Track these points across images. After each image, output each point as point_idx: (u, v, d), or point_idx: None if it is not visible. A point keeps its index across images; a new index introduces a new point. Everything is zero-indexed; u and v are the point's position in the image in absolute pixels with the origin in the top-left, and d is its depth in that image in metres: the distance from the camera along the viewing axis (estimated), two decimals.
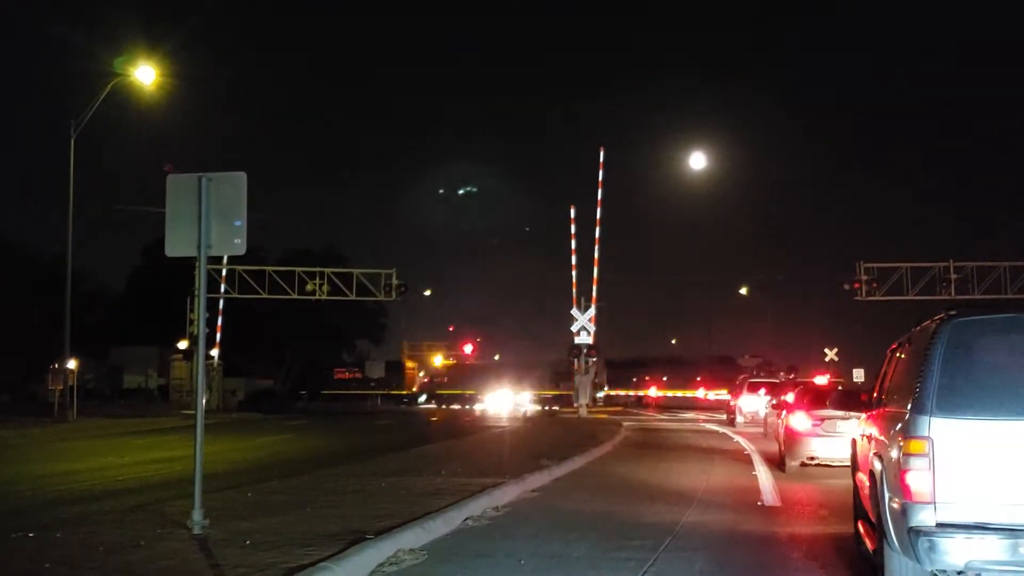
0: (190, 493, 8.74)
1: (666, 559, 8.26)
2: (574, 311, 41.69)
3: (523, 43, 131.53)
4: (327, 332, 65.99)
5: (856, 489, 8.68)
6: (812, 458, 15.84)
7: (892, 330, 8.05)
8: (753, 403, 32.78)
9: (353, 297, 46.25)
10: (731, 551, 8.91)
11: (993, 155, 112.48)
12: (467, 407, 56.11)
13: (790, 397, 19.60)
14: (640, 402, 68.11)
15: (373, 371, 65.00)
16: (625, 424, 32.65)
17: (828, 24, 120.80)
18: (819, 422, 15.55)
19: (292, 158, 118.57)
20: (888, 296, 40.61)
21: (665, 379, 71.10)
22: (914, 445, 5.73)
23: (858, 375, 41.55)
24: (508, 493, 12.19)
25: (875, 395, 8.19)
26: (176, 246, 9.11)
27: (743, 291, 66.18)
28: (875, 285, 40.68)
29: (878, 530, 6.66)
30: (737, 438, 26.21)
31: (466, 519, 10.14)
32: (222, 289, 44.61)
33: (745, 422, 33.00)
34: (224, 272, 44.12)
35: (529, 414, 47.66)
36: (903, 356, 7.12)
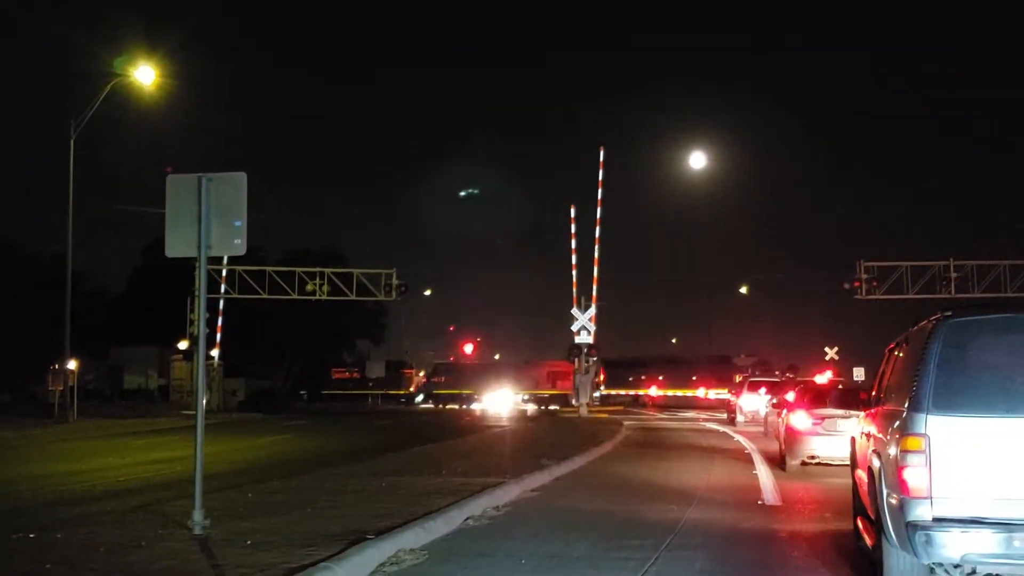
0: (191, 493, 8.75)
1: (667, 558, 8.26)
2: (574, 311, 41.69)
3: (523, 43, 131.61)
4: (327, 332, 65.96)
5: (855, 486, 8.76)
6: (813, 457, 15.85)
7: (892, 329, 8.09)
8: (753, 402, 32.78)
9: (353, 297, 46.25)
10: (732, 550, 8.91)
11: (993, 155, 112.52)
12: (464, 407, 56.07)
13: (791, 396, 19.62)
14: (637, 401, 68.07)
15: (373, 371, 64.94)
16: (626, 423, 32.66)
17: (828, 24, 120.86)
18: (819, 421, 15.55)
19: (292, 158, 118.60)
20: (888, 295, 40.63)
21: (661, 378, 71.07)
22: (911, 442, 5.86)
23: (858, 374, 41.56)
24: (509, 493, 12.19)
25: (873, 394, 8.28)
26: (176, 246, 9.10)
27: (743, 291, 66.28)
28: (875, 284, 40.70)
29: (877, 525, 6.77)
30: (737, 437, 26.22)
31: (467, 519, 10.14)
32: (222, 289, 44.60)
33: (745, 421, 33.01)
34: (224, 272, 44.12)
35: (529, 413, 47.65)
36: (901, 355, 7.23)
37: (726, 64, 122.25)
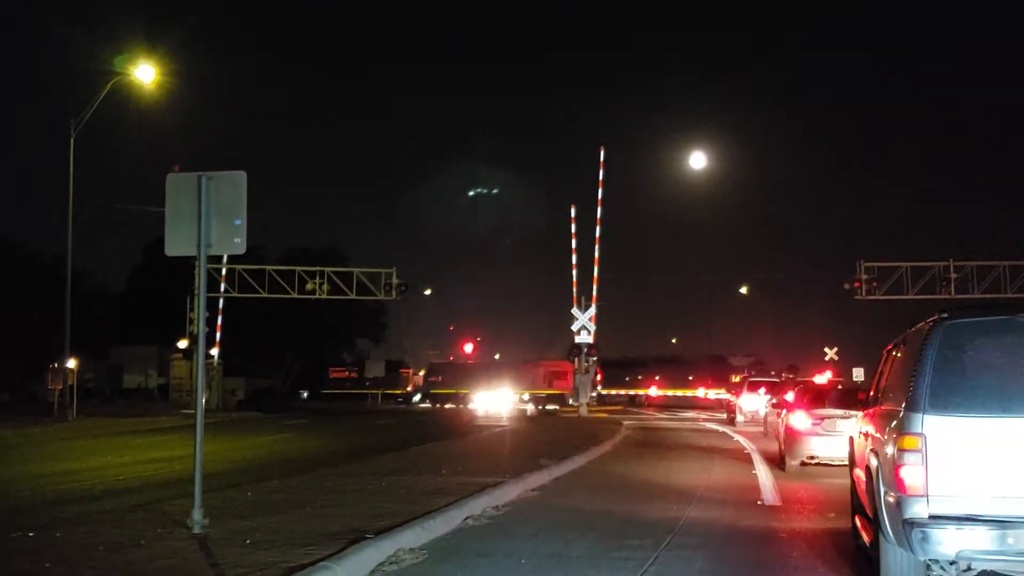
0: (190, 492, 8.74)
1: (666, 558, 8.26)
2: (574, 310, 41.70)
3: (523, 43, 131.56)
4: (327, 331, 65.95)
5: (853, 485, 8.83)
6: (812, 457, 15.84)
7: (892, 329, 8.12)
8: (753, 402, 32.78)
9: (353, 296, 46.24)
10: (731, 550, 8.91)
11: (993, 155, 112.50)
12: (461, 406, 56.06)
13: (790, 396, 19.62)
14: (634, 401, 68.00)
15: (373, 370, 64.90)
16: (625, 423, 32.67)
17: (828, 24, 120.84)
18: (819, 421, 15.55)
19: (292, 158, 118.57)
20: (888, 295, 40.62)
21: (658, 378, 71.04)
22: (908, 441, 5.99)
23: (858, 374, 41.56)
24: (508, 492, 12.19)
25: (871, 394, 8.38)
26: (176, 245, 9.10)
27: (743, 290, 66.30)
28: (875, 284, 40.69)
29: (874, 523, 6.88)
30: (737, 437, 26.23)
31: (466, 518, 10.14)
32: (222, 288, 44.58)
33: (745, 421, 33.02)
34: (224, 271, 44.10)
35: (528, 413, 47.65)
36: (898, 356, 7.35)
37: (726, 64, 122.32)
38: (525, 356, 63.64)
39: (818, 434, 15.51)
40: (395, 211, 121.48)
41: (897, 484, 6.03)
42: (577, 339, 41.72)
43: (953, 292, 39.15)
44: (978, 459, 5.86)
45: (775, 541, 9.44)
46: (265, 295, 44.42)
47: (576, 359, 42.75)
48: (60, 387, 34.74)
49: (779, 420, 18.92)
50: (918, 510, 5.89)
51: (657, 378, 70.90)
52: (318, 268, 45.72)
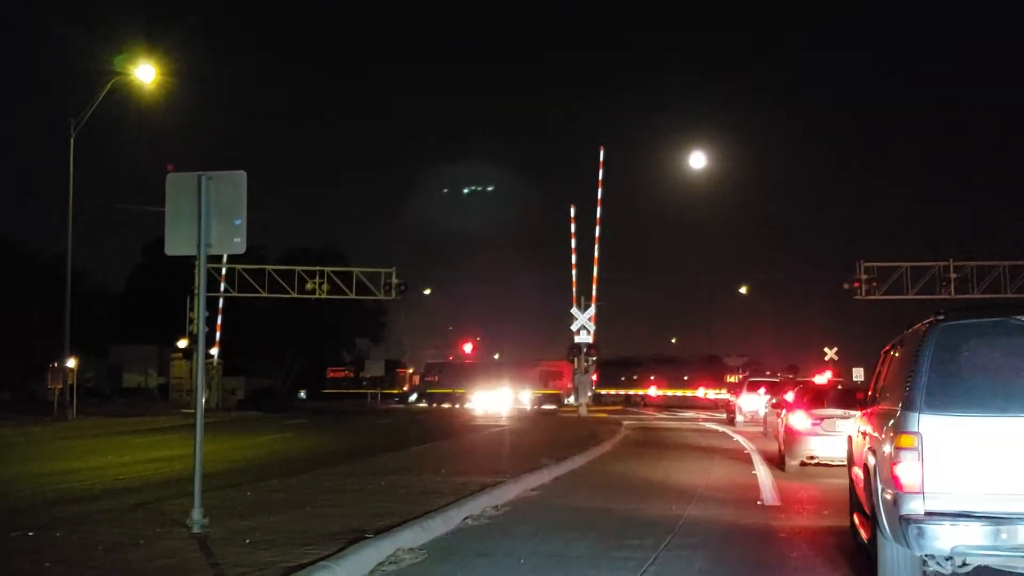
0: (190, 492, 8.75)
1: (665, 558, 8.26)
2: (574, 310, 41.69)
3: (523, 43, 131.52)
4: (327, 331, 65.97)
5: (852, 483, 8.92)
6: (812, 457, 15.84)
7: (892, 329, 8.16)
8: (753, 402, 32.79)
9: (353, 296, 46.24)
10: (731, 550, 8.92)
11: (993, 155, 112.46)
12: (458, 406, 56.07)
13: (790, 396, 19.62)
14: (630, 401, 67.96)
15: (373, 370, 64.94)
16: (625, 423, 32.67)
17: (828, 24, 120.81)
18: (819, 421, 15.55)
19: (292, 158, 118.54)
20: (888, 295, 40.62)
21: (653, 378, 71.07)
22: (904, 440, 6.14)
23: (858, 374, 41.52)
24: (508, 492, 12.19)
25: (869, 394, 8.51)
26: (176, 245, 9.10)
27: (743, 290, 66.26)
28: (875, 284, 40.69)
29: (872, 520, 7.03)
30: (737, 437, 26.23)
31: (466, 518, 10.14)
32: (222, 288, 44.58)
33: (745, 421, 33.02)
34: (224, 271, 44.10)
35: (527, 413, 47.66)
36: (896, 356, 7.49)
37: (726, 64, 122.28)
38: (524, 356, 63.73)
39: (818, 434, 15.51)
40: (395, 211, 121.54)
41: (894, 481, 6.17)
42: (577, 339, 41.71)
43: (953, 292, 39.14)
44: (973, 457, 6.00)
45: (775, 541, 9.44)
46: (265, 295, 44.43)
47: (575, 359, 42.74)
48: (60, 386, 34.73)
49: (779, 420, 18.92)
50: (914, 507, 6.03)
51: (652, 378, 70.91)
52: (318, 268, 45.73)
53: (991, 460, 5.98)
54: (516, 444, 21.32)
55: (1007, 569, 6.31)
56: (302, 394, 69.22)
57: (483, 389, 57.19)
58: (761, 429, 27.61)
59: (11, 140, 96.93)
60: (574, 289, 43.42)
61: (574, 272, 44.63)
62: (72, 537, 8.39)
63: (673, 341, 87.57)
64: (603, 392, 66.42)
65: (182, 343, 47.67)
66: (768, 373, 42.11)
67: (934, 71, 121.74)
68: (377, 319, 72.20)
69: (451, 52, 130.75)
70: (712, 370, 66.99)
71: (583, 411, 41.49)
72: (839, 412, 14.05)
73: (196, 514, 8.58)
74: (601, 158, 44.57)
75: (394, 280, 44.73)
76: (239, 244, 9.04)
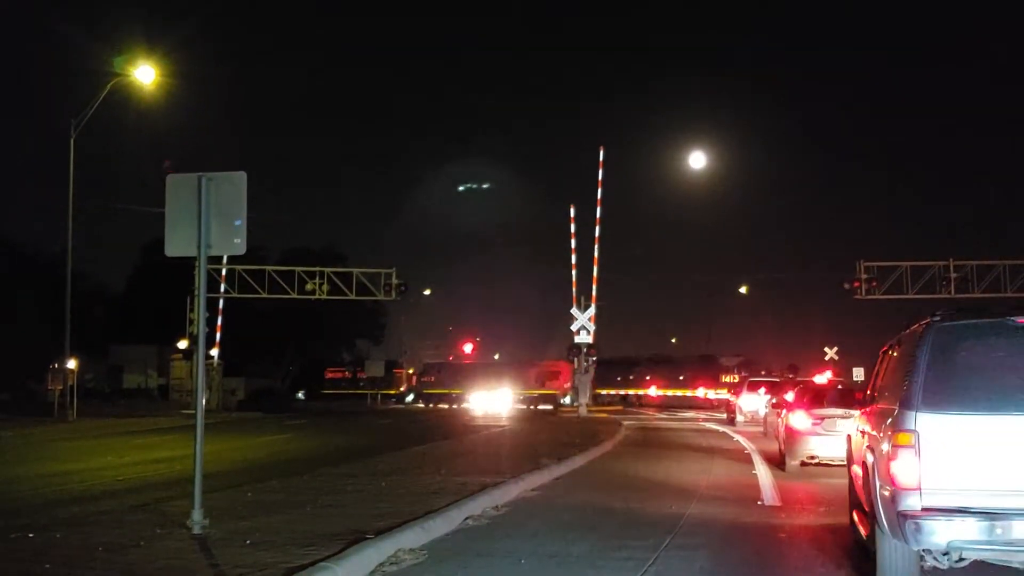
0: (190, 493, 8.74)
1: (666, 558, 8.26)
2: (574, 310, 41.68)
3: (523, 43, 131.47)
4: (327, 332, 65.98)
5: (851, 481, 9.01)
6: (812, 457, 15.83)
7: (893, 329, 8.17)
8: (753, 402, 32.79)
9: (353, 296, 46.24)
10: (731, 550, 8.92)
11: (993, 154, 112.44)
12: (454, 406, 56.08)
13: (790, 396, 19.61)
14: (626, 400, 67.90)
15: (373, 371, 64.99)
16: (625, 423, 32.67)
17: (828, 24, 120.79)
18: (819, 421, 15.54)
19: (292, 158, 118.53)
20: (888, 295, 40.62)
21: (649, 378, 71.07)
22: (902, 438, 6.29)
23: (858, 374, 41.51)
24: (508, 492, 12.19)
25: (868, 393, 8.65)
26: (176, 246, 9.10)
27: (743, 290, 66.20)
28: (875, 284, 40.68)
29: (871, 517, 7.19)
30: (737, 437, 26.23)
31: (466, 518, 10.14)
32: (222, 289, 44.59)
33: (745, 421, 33.02)
34: (224, 272, 44.11)
35: (525, 413, 47.68)
36: (894, 356, 7.65)
37: (726, 64, 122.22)
38: (524, 356, 63.76)
39: (818, 434, 15.50)
40: (395, 211, 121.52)
41: (892, 478, 6.31)
42: (577, 339, 41.69)
43: (953, 292, 39.13)
44: (969, 455, 6.14)
45: (775, 541, 9.44)
46: (265, 295, 44.43)
47: (575, 359, 42.74)
48: (60, 387, 34.73)
49: (779, 420, 18.92)
50: (912, 503, 6.17)
51: (648, 378, 70.89)
52: (318, 268, 45.73)
53: (986, 458, 6.12)
54: (516, 444, 21.31)
55: (1002, 563, 6.49)
56: (300, 395, 69.27)
57: (480, 389, 57.23)
58: (761, 429, 27.60)
59: (11, 140, 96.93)
60: (574, 289, 43.44)
61: (574, 272, 44.64)
62: (72, 538, 8.38)
63: (673, 341, 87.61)
64: (602, 392, 66.40)
65: (182, 344, 47.64)
66: (763, 372, 42.11)
67: (934, 71, 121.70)
68: (377, 320, 72.23)
69: (451, 52, 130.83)
70: (707, 370, 66.95)
71: (583, 411, 41.49)
72: (839, 412, 14.04)
73: (196, 515, 8.58)
74: (601, 158, 44.57)
75: (394, 281, 44.75)
76: (239, 245, 9.04)
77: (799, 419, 16.03)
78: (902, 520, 6.16)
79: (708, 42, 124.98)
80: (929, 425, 6.19)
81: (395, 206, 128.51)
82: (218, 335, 47.21)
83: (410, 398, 64.30)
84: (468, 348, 73.80)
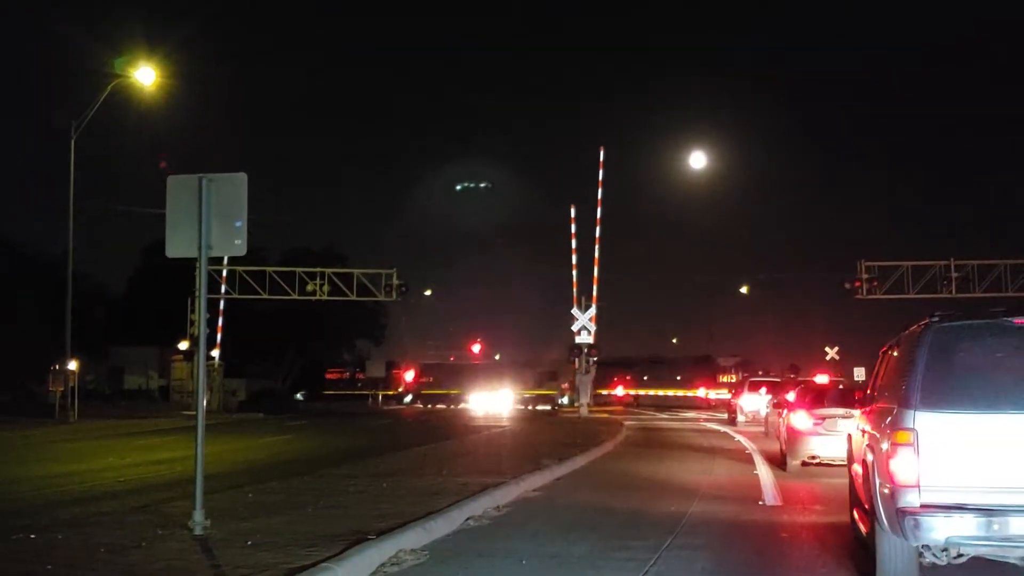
0: (191, 494, 8.74)
1: (667, 559, 8.26)
2: (574, 310, 41.69)
3: (523, 43, 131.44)
4: (327, 332, 65.94)
5: (851, 480, 9.08)
6: (813, 457, 15.83)
7: (893, 329, 8.20)
8: (754, 402, 32.79)
9: (353, 297, 46.21)
10: (732, 551, 8.92)
11: (993, 154, 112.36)
12: (452, 407, 56.08)
13: (791, 396, 19.61)
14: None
15: (373, 371, 65.01)
16: (626, 423, 32.67)
17: (828, 24, 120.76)
18: (820, 421, 15.54)
19: (292, 158, 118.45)
20: (889, 295, 40.60)
21: (646, 378, 71.06)
22: (901, 436, 6.40)
23: (859, 374, 41.48)
24: (509, 493, 12.19)
25: (868, 392, 8.73)
26: (177, 247, 9.10)
27: (743, 290, 66.17)
28: (876, 284, 40.66)
29: (871, 514, 7.29)
30: (738, 437, 26.22)
31: (467, 519, 10.14)
32: (222, 290, 44.59)
33: (746, 421, 33.02)
34: (224, 273, 44.12)
35: (525, 414, 47.69)
36: (893, 356, 7.76)
37: (726, 64, 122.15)
38: (524, 356, 63.78)
39: (819, 434, 15.50)
40: (395, 211, 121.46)
41: (891, 476, 6.43)
42: (577, 339, 41.70)
43: (954, 291, 39.12)
44: (966, 453, 6.25)
45: (776, 541, 9.44)
46: (265, 296, 44.40)
47: (576, 359, 42.74)
48: (61, 388, 34.72)
49: (780, 420, 18.92)
50: (911, 500, 6.28)
51: (645, 378, 70.78)
52: (318, 269, 45.70)
53: (984, 455, 6.23)
54: (517, 445, 21.32)
55: (999, 559, 6.57)
56: (299, 395, 69.27)
57: (478, 390, 57.26)
58: (762, 429, 27.60)
59: (11, 140, 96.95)
60: (574, 289, 43.43)
61: (574, 272, 44.63)
62: (74, 539, 8.39)
63: (674, 341, 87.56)
64: (603, 392, 66.37)
65: (183, 345, 47.67)
66: (761, 372, 42.07)
67: (934, 71, 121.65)
68: (378, 320, 72.19)
69: (451, 52, 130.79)
70: (705, 369, 66.92)
71: (584, 411, 41.49)
72: (840, 411, 14.03)
73: (198, 516, 8.58)
74: (601, 158, 44.56)
75: (395, 281, 44.72)
76: (240, 246, 9.04)
77: (800, 419, 16.03)
78: (901, 516, 6.27)
79: (708, 42, 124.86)
80: (928, 424, 6.30)
81: (395, 206, 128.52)
82: (219, 336, 47.21)
83: (408, 399, 64.34)
84: (476, 348, 73.68)
